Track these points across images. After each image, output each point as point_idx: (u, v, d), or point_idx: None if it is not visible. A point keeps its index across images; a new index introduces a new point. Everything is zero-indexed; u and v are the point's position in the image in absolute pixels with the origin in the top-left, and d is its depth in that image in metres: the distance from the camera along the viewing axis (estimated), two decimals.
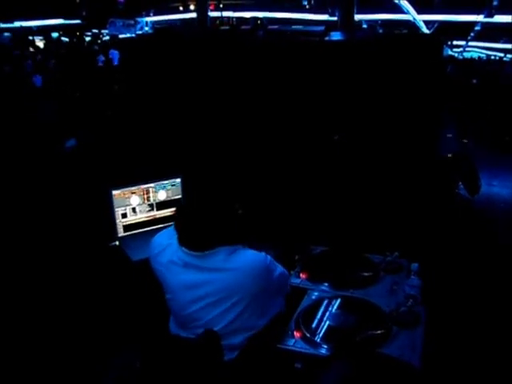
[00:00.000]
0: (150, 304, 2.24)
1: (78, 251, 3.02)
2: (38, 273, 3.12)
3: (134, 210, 2.80)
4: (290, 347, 1.89)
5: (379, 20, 16.76)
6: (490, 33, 19.74)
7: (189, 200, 1.84)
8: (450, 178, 3.99)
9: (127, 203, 2.78)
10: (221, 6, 18.10)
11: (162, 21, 21.19)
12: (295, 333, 1.94)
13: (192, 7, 19.97)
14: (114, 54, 12.18)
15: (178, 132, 3.67)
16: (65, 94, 6.98)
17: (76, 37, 18.94)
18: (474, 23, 17.42)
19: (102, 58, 12.64)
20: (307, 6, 19.72)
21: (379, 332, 1.93)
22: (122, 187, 2.75)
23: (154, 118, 3.80)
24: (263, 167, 3.43)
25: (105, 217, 2.75)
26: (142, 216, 2.84)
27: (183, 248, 1.78)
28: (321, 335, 1.93)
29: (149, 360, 1.72)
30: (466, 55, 24.02)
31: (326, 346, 1.87)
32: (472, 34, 20.65)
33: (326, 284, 2.29)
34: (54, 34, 20.14)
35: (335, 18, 12.42)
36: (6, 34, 16.48)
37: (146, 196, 2.83)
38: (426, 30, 18.15)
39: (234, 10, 18.82)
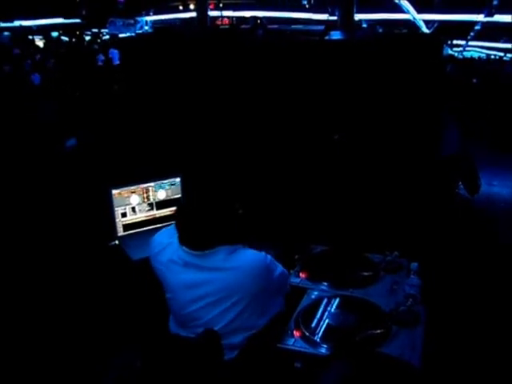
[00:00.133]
0: (149, 303, 2.24)
1: (78, 250, 3.02)
2: (38, 272, 3.12)
3: (133, 209, 2.81)
4: (289, 346, 1.89)
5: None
6: (490, 32, 19.73)
7: (189, 199, 1.84)
8: (449, 178, 3.99)
9: (127, 202, 2.78)
10: (220, 5, 18.10)
11: (162, 20, 21.19)
12: (295, 332, 1.94)
13: (192, 6, 19.96)
14: (114, 54, 12.17)
15: (178, 131, 3.67)
16: (65, 94, 6.98)
17: (76, 36, 18.95)
18: (474, 23, 17.42)
19: (101, 57, 12.64)
20: (307, 6, 19.73)
21: (379, 331, 1.93)
22: (122, 186, 2.75)
23: (153, 117, 3.80)
24: (263, 166, 3.43)
25: (104, 216, 2.76)
26: (141, 215, 2.84)
27: (183, 247, 1.79)
28: (320, 335, 1.93)
29: (149, 359, 1.72)
30: (466, 55, 24.02)
31: (325, 346, 1.87)
32: (472, 34, 20.64)
33: (326, 283, 2.29)
34: (54, 34, 20.14)
35: (335, 18, 12.41)
36: (6, 33, 16.47)
37: (145, 195, 2.83)
38: (425, 30, 18.15)
39: (234, 10, 18.82)
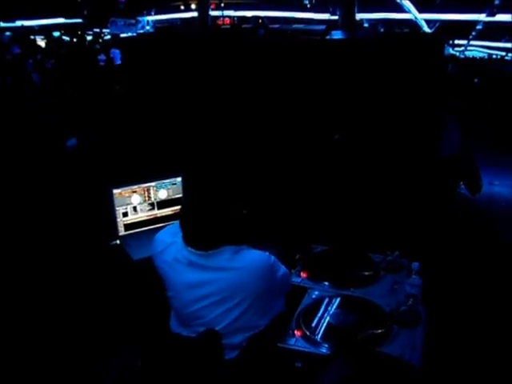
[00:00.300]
0: (150, 303, 2.24)
1: (79, 250, 3.02)
2: (39, 272, 3.12)
3: (134, 208, 2.81)
4: (290, 346, 1.89)
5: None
6: (492, 32, 19.69)
7: (192, 200, 1.84)
8: (450, 178, 3.98)
9: (128, 202, 2.78)
10: (222, 5, 18.09)
11: (163, 20, 21.20)
12: (296, 332, 1.95)
13: (193, 6, 19.96)
14: (116, 54, 12.16)
15: (180, 131, 3.67)
16: (65, 94, 6.98)
17: (77, 36, 18.96)
18: (476, 22, 17.39)
19: (103, 57, 12.63)
20: (308, 5, 19.72)
21: (379, 331, 1.94)
22: (123, 186, 2.76)
23: (154, 117, 3.80)
24: (264, 166, 3.43)
25: (106, 216, 2.76)
26: (142, 215, 2.84)
27: (188, 247, 1.79)
28: (321, 334, 1.93)
29: (149, 359, 1.72)
30: (468, 54, 24.00)
31: (326, 345, 1.87)
32: (473, 33, 20.61)
33: (327, 283, 2.29)
34: (56, 34, 20.15)
35: (336, 17, 12.41)
36: (8, 33, 16.49)
37: (146, 195, 2.83)
38: (427, 29, 18.14)
39: (235, 9, 18.82)
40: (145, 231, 2.83)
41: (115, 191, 2.73)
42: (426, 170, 3.24)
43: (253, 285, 1.75)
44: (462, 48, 24.35)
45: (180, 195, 2.91)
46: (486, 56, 22.56)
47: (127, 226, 2.80)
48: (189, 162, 3.41)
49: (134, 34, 15.82)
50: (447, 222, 3.53)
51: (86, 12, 21.86)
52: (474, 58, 20.50)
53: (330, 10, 16.07)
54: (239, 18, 18.91)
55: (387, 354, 1.80)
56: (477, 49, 24.66)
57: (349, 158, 3.34)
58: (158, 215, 2.88)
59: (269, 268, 1.81)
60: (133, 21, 18.05)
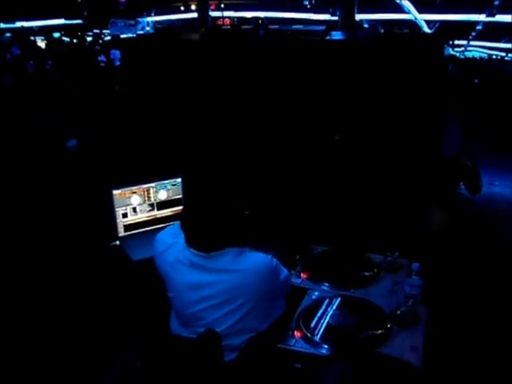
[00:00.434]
0: (150, 303, 2.24)
1: (79, 251, 3.02)
2: (39, 273, 3.12)
3: (134, 209, 2.81)
4: (290, 347, 1.89)
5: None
6: (492, 32, 19.69)
7: (195, 201, 1.83)
8: (450, 178, 3.98)
9: (128, 203, 2.78)
10: (222, 5, 18.08)
11: (164, 21, 21.18)
12: (295, 332, 1.94)
13: (193, 7, 19.96)
14: (116, 54, 12.16)
15: (180, 132, 3.67)
16: (66, 94, 6.98)
17: (77, 37, 18.95)
18: (476, 23, 17.38)
19: (103, 58, 12.63)
20: (308, 6, 19.69)
21: (380, 332, 1.93)
22: (123, 187, 2.76)
23: (154, 117, 3.80)
24: (264, 167, 3.43)
25: (105, 216, 2.76)
26: (142, 216, 2.84)
27: (190, 248, 1.78)
28: (321, 335, 1.93)
29: (149, 359, 1.72)
30: (468, 55, 23.99)
31: (326, 346, 1.87)
32: (473, 34, 20.60)
33: (327, 284, 2.29)
34: (56, 35, 20.15)
35: (336, 18, 12.41)
36: (8, 34, 16.50)
37: (146, 196, 2.83)
38: (427, 30, 18.13)
39: (235, 10, 18.81)
40: (144, 232, 2.83)
41: (115, 192, 2.73)
42: (427, 170, 3.23)
43: (255, 287, 1.75)
44: (462, 48, 24.33)
45: (180, 196, 2.91)
46: (486, 56, 22.55)
47: (127, 227, 2.80)
48: (189, 162, 3.41)
49: (134, 35, 15.82)
50: (447, 222, 3.53)
51: (86, 13, 21.84)
52: (474, 59, 20.48)
53: (330, 10, 16.06)
54: (239, 18, 18.90)
55: (387, 354, 1.80)
56: (477, 49, 24.66)
57: (349, 159, 3.34)
58: (158, 216, 2.88)
59: (271, 270, 1.81)
60: (133, 22, 18.05)
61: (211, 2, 17.09)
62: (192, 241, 1.79)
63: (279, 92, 3.47)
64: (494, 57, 21.88)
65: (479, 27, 18.36)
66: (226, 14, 18.38)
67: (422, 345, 1.86)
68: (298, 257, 2.47)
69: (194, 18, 18.08)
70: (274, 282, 1.82)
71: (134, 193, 2.79)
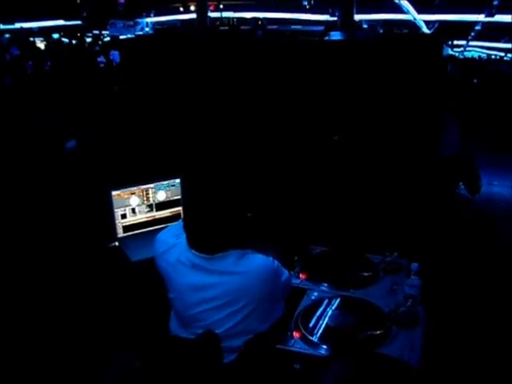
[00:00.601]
0: (149, 304, 2.24)
1: (78, 252, 3.02)
2: (38, 274, 3.12)
3: (133, 210, 2.80)
4: (289, 348, 1.89)
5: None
6: (491, 32, 19.70)
7: (196, 203, 1.82)
8: (450, 178, 3.98)
9: (127, 204, 2.78)
10: (221, 6, 18.08)
11: (163, 21, 21.17)
12: (294, 333, 1.94)
13: (192, 8, 19.96)
14: (115, 55, 12.16)
15: (178, 132, 3.67)
16: (65, 94, 6.98)
17: (77, 38, 18.95)
18: (475, 23, 17.39)
19: (102, 59, 12.63)
20: (307, 6, 19.69)
21: (378, 332, 1.93)
22: (122, 188, 2.75)
23: (153, 118, 3.80)
24: (263, 167, 3.43)
25: (104, 217, 2.75)
26: (141, 216, 2.84)
27: (192, 249, 1.78)
28: (320, 335, 1.93)
29: (148, 360, 1.72)
30: (467, 55, 24.00)
31: (325, 347, 1.87)
32: (472, 34, 20.60)
33: (326, 284, 2.29)
34: (55, 35, 20.15)
35: (335, 18, 12.41)
36: (7, 35, 16.49)
37: (145, 196, 2.83)
38: (426, 30, 18.13)
39: (235, 11, 18.81)
40: (143, 233, 2.82)
41: (114, 193, 2.73)
42: (426, 170, 3.24)
43: (257, 289, 1.75)
44: (461, 48, 24.34)
45: (179, 197, 2.91)
46: (485, 56, 22.55)
47: (126, 228, 2.80)
48: (189, 164, 3.41)
49: (133, 36, 15.82)
50: (447, 222, 3.53)
51: (85, 14, 21.84)
52: (473, 59, 20.48)
53: (330, 11, 16.05)
54: (238, 19, 18.90)
55: (386, 354, 1.80)
56: (476, 49, 24.67)
57: (348, 159, 3.34)
58: (157, 217, 2.88)
59: (273, 273, 1.81)
60: (132, 22, 18.05)
61: (210, 3, 17.09)
62: (194, 242, 1.78)
63: (278, 92, 3.47)
64: (493, 57, 21.88)
65: (478, 27, 18.36)
66: (225, 14, 18.39)
67: (420, 345, 1.86)
68: (296, 257, 2.47)
69: (192, 19, 18.08)
70: (275, 284, 1.82)
71: (133, 194, 2.79)
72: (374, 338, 1.91)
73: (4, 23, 18.42)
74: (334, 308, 2.08)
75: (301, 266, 2.42)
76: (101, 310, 2.64)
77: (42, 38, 19.16)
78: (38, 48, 15.84)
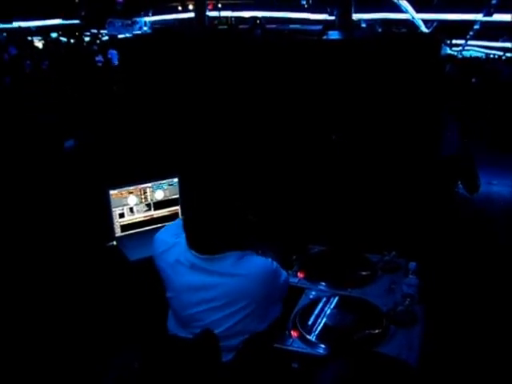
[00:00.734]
0: (147, 304, 2.24)
1: (76, 251, 3.02)
2: (36, 273, 3.11)
3: (131, 209, 2.80)
4: (287, 347, 1.88)
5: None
6: (489, 32, 19.71)
7: (195, 203, 1.82)
8: (449, 178, 3.98)
9: (124, 203, 2.78)
10: (219, 5, 18.07)
11: (161, 21, 21.15)
12: (292, 332, 1.94)
13: (191, 7, 19.93)
14: (113, 54, 12.15)
15: (177, 132, 3.67)
16: (64, 94, 6.98)
17: (75, 37, 18.93)
18: (473, 22, 17.40)
19: (100, 58, 12.62)
20: (306, 6, 19.69)
21: (376, 331, 1.93)
22: (120, 187, 2.75)
23: (151, 117, 3.80)
24: (261, 166, 3.43)
25: (102, 217, 2.75)
26: (139, 216, 2.83)
27: (192, 250, 1.78)
28: (318, 334, 1.92)
29: (147, 359, 1.72)
30: (465, 54, 24.02)
31: (323, 346, 1.86)
32: (471, 33, 20.62)
33: (324, 283, 2.29)
34: (53, 34, 20.13)
35: (334, 17, 12.42)
36: (4, 34, 16.48)
37: (143, 196, 2.83)
38: (424, 29, 18.14)
39: (233, 10, 18.80)
40: (141, 232, 2.82)
41: (112, 192, 2.73)
42: (426, 170, 3.24)
43: (256, 291, 1.75)
44: (460, 48, 24.36)
45: (177, 196, 2.91)
46: (483, 56, 22.57)
47: (124, 227, 2.80)
48: (187, 163, 3.41)
49: (132, 35, 15.80)
50: (445, 221, 3.53)
51: (83, 13, 21.81)
52: (471, 58, 20.50)
53: (328, 10, 16.05)
54: (236, 18, 18.89)
55: (384, 354, 1.80)
56: (474, 48, 24.70)
57: (347, 158, 3.34)
58: (155, 216, 2.88)
59: (272, 275, 1.81)
60: (130, 22, 18.03)
61: (208, 2, 17.07)
62: (193, 243, 1.78)
63: (276, 92, 3.47)
64: (491, 56, 21.90)
65: (477, 26, 18.37)
66: (224, 13, 18.38)
67: (419, 344, 1.86)
68: (295, 256, 2.47)
69: (190, 18, 18.07)
70: (274, 286, 1.83)
71: (131, 193, 2.79)
72: (371, 337, 1.91)
73: (2, 22, 18.39)
74: (332, 307, 2.08)
75: (299, 265, 2.42)
76: (100, 309, 2.64)
77: (40, 37, 19.16)
78: (36, 47, 15.83)
